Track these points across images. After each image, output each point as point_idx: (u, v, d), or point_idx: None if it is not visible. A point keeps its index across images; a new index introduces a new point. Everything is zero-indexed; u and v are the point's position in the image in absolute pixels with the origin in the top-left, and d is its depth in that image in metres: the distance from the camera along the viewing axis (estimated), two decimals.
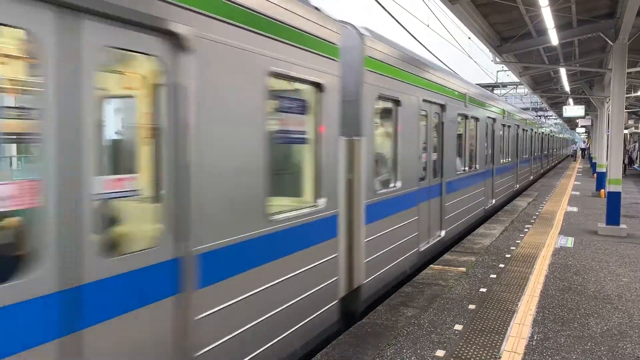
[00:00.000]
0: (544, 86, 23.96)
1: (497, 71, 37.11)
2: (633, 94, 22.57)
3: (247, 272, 3.75)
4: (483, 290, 6.54)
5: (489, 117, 12.87)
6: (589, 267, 7.81)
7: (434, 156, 8.52)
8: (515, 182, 17.89)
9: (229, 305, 3.58)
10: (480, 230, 10.89)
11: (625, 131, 28.24)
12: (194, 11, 3.20)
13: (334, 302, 5.15)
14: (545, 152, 30.80)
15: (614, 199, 10.70)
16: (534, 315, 5.65)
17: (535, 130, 23.60)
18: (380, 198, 6.28)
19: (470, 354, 4.62)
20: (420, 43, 12.41)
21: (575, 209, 14.32)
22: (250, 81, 3.74)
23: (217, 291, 3.45)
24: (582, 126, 36.48)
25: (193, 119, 3.18)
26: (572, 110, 26.10)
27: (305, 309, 4.60)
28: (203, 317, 3.32)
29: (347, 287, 5.57)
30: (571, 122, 45.09)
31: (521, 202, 15.76)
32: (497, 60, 14.27)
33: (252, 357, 3.84)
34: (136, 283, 2.86)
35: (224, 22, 3.45)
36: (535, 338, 5.02)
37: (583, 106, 26.16)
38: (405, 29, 10.32)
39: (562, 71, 18.03)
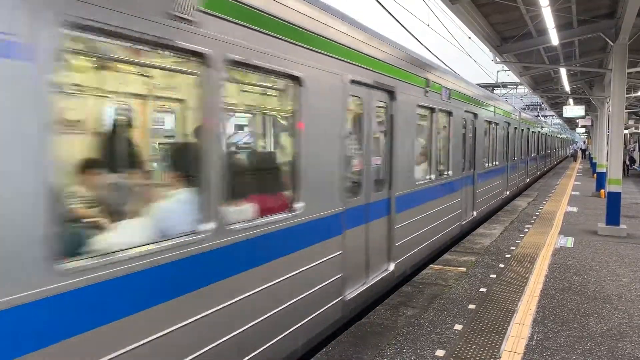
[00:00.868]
0: (544, 86, 23.96)
1: (497, 71, 37.13)
2: (633, 94, 22.57)
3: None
4: (483, 290, 6.55)
5: (467, 111, 10.52)
6: (588, 267, 7.82)
7: (377, 161, 6.40)
8: (505, 189, 15.98)
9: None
10: (480, 230, 10.91)
11: (626, 131, 28.25)
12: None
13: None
14: (543, 153, 30.22)
15: (614, 199, 10.71)
16: (533, 315, 5.66)
17: (531, 129, 23.11)
18: (249, 234, 3.86)
19: (470, 353, 4.63)
20: (420, 43, 12.41)
21: (575, 209, 14.33)
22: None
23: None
24: (582, 126, 36.53)
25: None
26: (572, 110, 26.09)
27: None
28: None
29: None
30: (571, 122, 45.08)
31: (521, 202, 15.78)
32: (497, 60, 14.27)
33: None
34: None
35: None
36: (535, 338, 5.03)
37: (583, 106, 26.16)
38: (405, 29, 10.32)
39: (563, 71, 18.02)
